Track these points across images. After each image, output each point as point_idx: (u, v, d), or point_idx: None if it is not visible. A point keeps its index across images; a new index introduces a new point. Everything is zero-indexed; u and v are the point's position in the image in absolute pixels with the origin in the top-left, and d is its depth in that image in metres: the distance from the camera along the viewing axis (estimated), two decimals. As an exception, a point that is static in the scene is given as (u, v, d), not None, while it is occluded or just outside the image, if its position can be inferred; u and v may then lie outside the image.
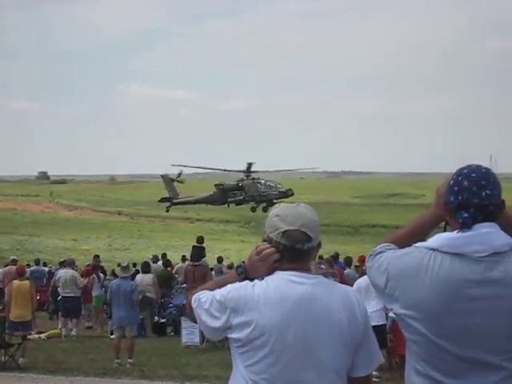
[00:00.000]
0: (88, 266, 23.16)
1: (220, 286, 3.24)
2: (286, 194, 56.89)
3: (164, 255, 26.20)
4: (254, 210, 58.68)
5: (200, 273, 17.13)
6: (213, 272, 21.63)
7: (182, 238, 57.57)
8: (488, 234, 2.90)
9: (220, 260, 25.35)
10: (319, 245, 3.25)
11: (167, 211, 59.78)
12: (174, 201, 58.59)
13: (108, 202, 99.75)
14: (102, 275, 21.27)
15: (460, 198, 2.95)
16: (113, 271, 22.03)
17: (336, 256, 21.59)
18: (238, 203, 58.52)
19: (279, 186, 58.52)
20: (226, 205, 58.71)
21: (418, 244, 2.98)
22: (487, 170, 2.99)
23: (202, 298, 3.22)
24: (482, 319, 2.82)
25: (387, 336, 12.03)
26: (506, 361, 2.81)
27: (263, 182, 57.92)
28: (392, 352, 12.23)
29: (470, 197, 2.93)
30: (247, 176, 57.85)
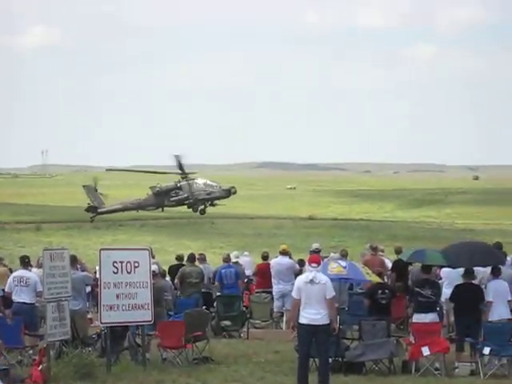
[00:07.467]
0: None
1: None
2: (230, 193, 52.62)
3: None
4: (195, 209, 53.34)
5: None
6: None
7: None
8: None
9: None
10: None
11: (91, 221, 51.66)
12: (100, 210, 53.08)
13: None
14: None
15: None
16: None
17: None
18: (180, 205, 53.45)
19: (220, 185, 54.12)
20: (161, 209, 54.12)
21: None
22: None
23: None
24: None
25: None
26: None
27: (202, 182, 53.42)
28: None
29: None
30: (183, 176, 53.44)
